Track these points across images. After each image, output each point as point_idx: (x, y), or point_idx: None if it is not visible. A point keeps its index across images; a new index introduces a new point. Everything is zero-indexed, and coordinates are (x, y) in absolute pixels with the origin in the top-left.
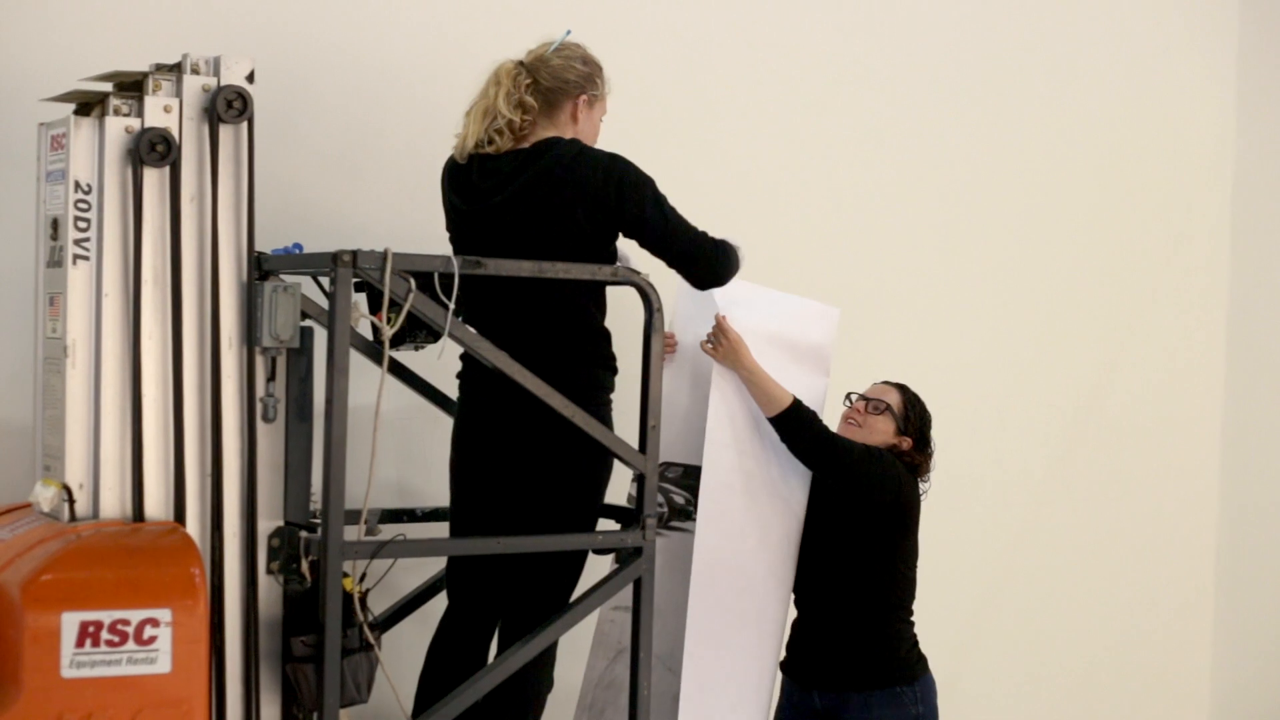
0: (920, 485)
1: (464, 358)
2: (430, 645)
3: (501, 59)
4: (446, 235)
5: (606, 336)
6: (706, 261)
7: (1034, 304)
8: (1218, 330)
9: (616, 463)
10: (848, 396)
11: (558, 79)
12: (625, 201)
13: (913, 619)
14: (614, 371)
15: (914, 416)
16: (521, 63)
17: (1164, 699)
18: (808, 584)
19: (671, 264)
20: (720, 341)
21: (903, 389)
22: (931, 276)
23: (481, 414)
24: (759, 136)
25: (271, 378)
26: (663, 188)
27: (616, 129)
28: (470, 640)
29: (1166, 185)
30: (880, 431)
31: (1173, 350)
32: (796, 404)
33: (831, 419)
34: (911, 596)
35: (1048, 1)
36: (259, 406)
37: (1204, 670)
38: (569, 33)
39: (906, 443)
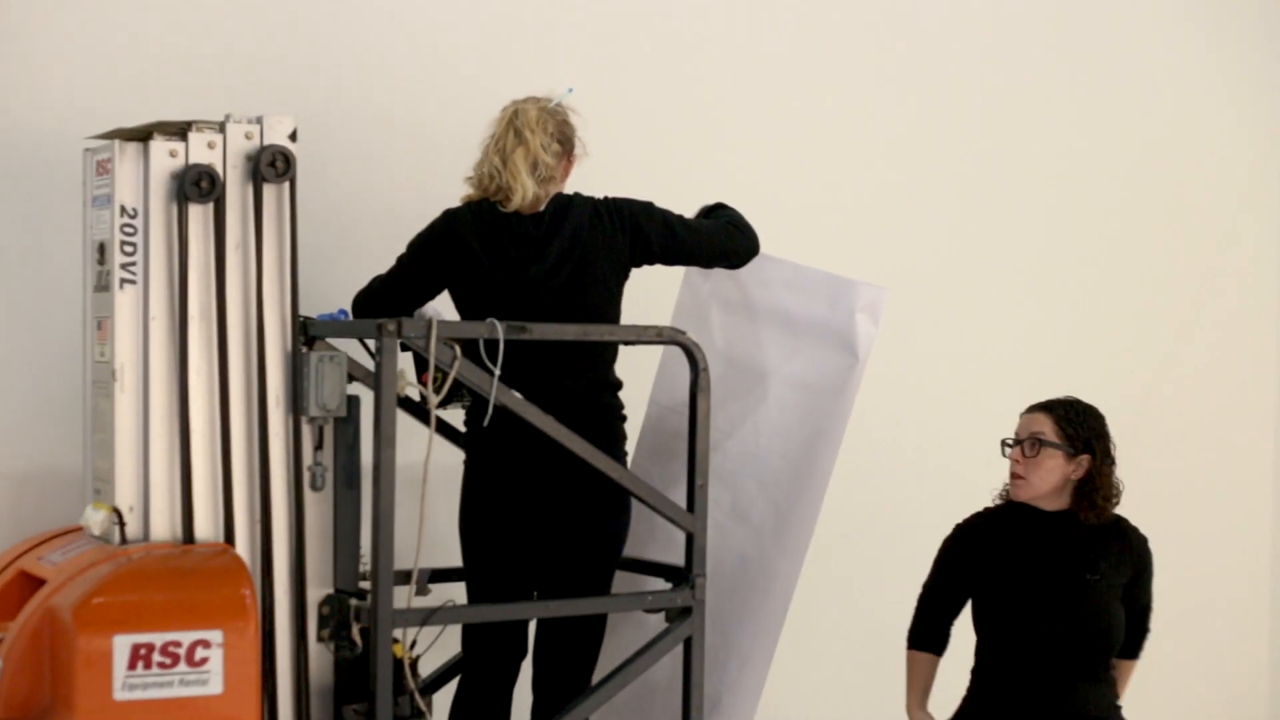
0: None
1: (471, 421)
2: (454, 708)
3: (514, 102)
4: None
5: (620, 386)
6: (736, 252)
7: (1084, 306)
8: (1270, 327)
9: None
10: (1004, 444)
11: (562, 134)
12: (650, 242)
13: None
14: (625, 419)
15: (1077, 429)
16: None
17: (1222, 697)
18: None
19: (707, 265)
20: None
21: (1050, 406)
22: (982, 279)
23: (510, 475)
24: (810, 140)
25: (319, 446)
26: (678, 194)
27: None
28: (497, 698)
29: (1215, 183)
30: (1049, 470)
31: (1225, 349)
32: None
33: (876, 413)
34: None
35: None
36: (306, 475)
37: (1261, 668)
38: (570, 91)
39: (1084, 462)
